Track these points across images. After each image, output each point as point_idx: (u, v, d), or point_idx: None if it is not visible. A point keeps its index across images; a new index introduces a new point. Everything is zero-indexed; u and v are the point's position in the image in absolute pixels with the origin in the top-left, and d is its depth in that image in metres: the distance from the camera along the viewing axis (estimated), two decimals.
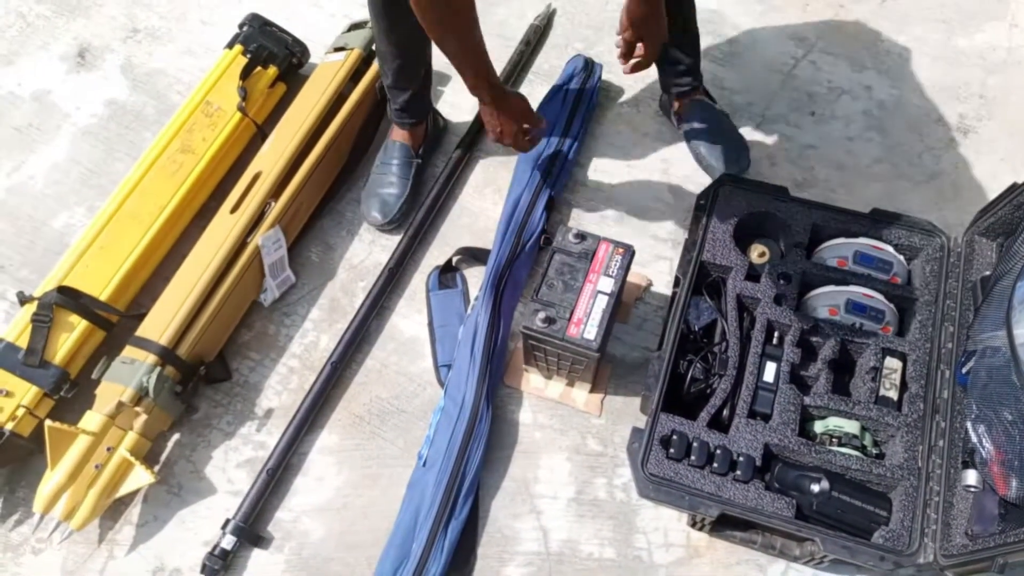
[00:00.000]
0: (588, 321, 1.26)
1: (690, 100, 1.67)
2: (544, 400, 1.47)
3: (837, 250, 1.41)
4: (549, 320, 1.26)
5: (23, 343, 1.40)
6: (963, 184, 1.66)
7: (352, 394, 1.50)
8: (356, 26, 1.84)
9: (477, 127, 1.74)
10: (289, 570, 1.36)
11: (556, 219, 1.65)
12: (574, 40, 1.90)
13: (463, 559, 1.33)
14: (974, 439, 1.12)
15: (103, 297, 1.47)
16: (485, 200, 1.70)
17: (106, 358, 1.40)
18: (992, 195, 1.31)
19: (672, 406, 1.28)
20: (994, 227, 1.32)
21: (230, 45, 1.76)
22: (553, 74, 1.81)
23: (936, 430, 1.22)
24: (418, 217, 1.63)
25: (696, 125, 1.67)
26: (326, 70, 1.72)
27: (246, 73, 1.69)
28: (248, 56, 1.72)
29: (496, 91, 1.35)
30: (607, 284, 1.29)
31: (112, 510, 1.39)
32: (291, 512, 1.40)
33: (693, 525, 1.33)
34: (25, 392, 1.38)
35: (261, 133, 1.70)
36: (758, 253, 1.38)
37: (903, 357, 1.30)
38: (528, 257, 1.57)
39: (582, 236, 1.33)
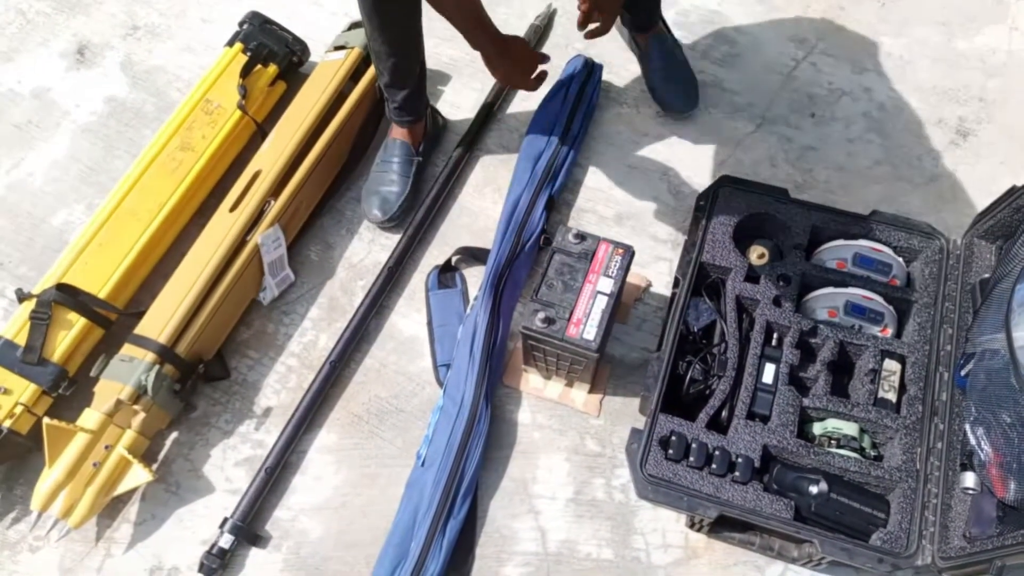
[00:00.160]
0: (587, 321, 1.26)
1: (650, 35, 1.77)
2: (543, 400, 1.47)
3: (836, 252, 1.41)
4: (548, 320, 1.26)
5: (21, 340, 1.40)
6: (962, 187, 1.66)
7: (351, 393, 1.50)
8: (356, 24, 1.83)
9: (477, 127, 1.74)
10: (287, 569, 1.36)
11: (556, 219, 1.65)
12: (574, 40, 1.89)
13: (461, 559, 1.33)
14: (972, 441, 1.12)
15: (102, 295, 1.46)
16: (485, 199, 1.70)
17: (105, 356, 1.40)
18: (991, 198, 1.31)
19: (671, 407, 1.28)
20: (993, 230, 1.32)
21: (230, 43, 1.76)
22: (553, 74, 1.81)
23: (935, 432, 1.22)
24: (418, 216, 1.63)
25: (654, 62, 1.77)
26: (326, 69, 1.72)
27: (246, 71, 1.69)
28: (248, 54, 1.72)
29: (496, 40, 1.42)
30: (607, 284, 1.29)
31: (110, 508, 1.38)
32: (289, 511, 1.40)
33: (691, 526, 1.33)
34: (23, 390, 1.38)
35: (261, 131, 1.70)
36: (757, 254, 1.38)
37: (902, 359, 1.30)
38: (528, 257, 1.56)
39: (582, 236, 1.32)
